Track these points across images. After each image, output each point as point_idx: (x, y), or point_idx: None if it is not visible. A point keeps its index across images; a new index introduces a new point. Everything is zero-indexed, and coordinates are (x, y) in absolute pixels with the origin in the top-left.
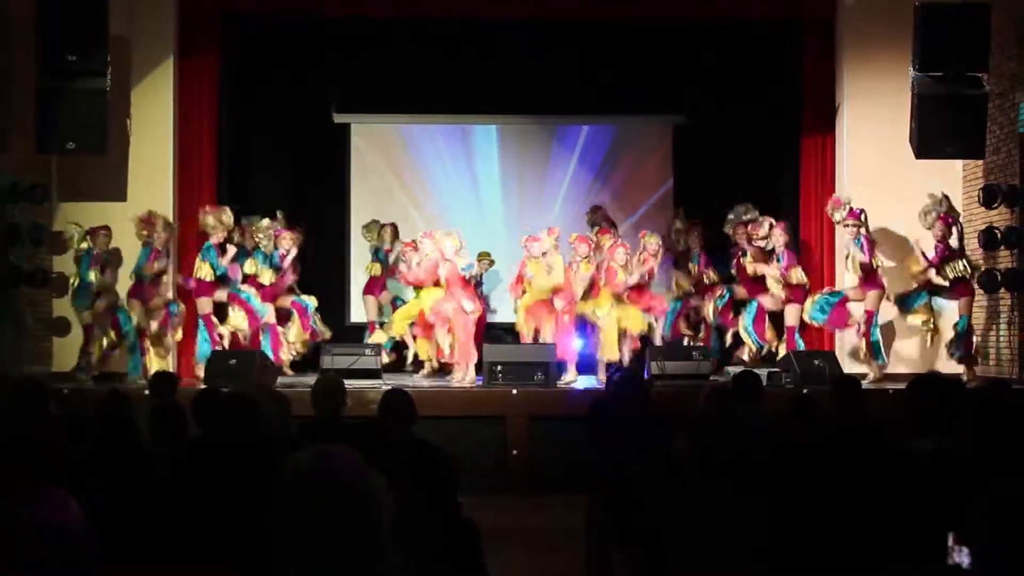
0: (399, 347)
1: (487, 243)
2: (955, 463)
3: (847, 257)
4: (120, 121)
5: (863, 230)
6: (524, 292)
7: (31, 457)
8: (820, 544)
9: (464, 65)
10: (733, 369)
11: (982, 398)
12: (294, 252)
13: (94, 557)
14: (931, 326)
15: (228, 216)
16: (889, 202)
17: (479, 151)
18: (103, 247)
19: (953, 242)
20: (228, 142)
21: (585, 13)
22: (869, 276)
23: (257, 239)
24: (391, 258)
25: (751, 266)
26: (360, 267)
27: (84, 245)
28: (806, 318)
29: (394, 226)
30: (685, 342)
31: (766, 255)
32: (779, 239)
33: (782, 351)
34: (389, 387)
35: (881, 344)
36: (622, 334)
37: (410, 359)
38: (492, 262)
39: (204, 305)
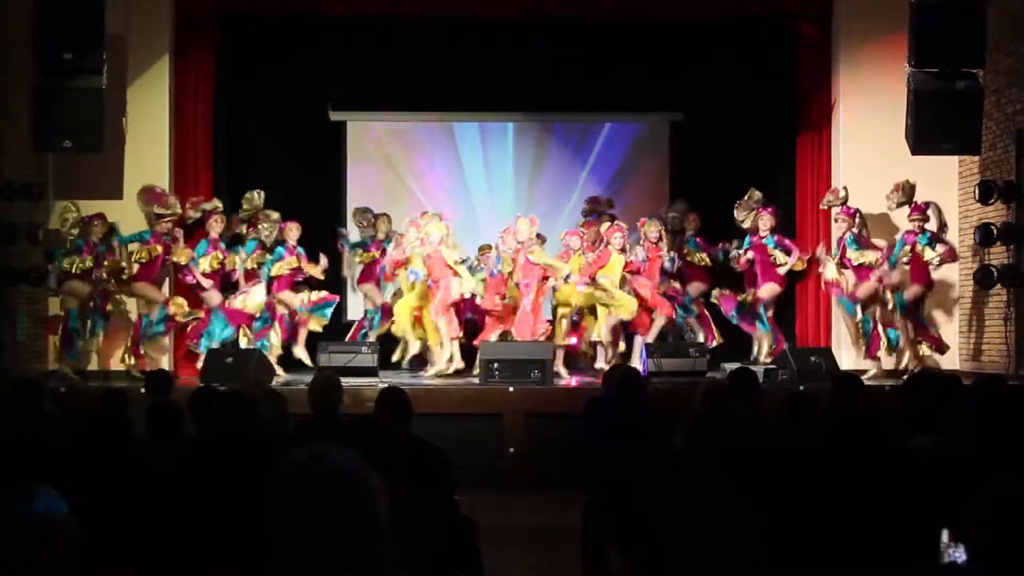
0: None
1: (481, 240)
2: (951, 460)
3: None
4: (116, 119)
5: (854, 228)
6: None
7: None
8: (817, 541)
9: (460, 63)
10: (729, 366)
11: (978, 395)
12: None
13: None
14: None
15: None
16: (884, 197)
17: (474, 149)
18: (97, 236)
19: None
20: (224, 140)
21: (582, 11)
22: (863, 272)
23: (261, 229)
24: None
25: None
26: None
27: (75, 231)
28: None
29: (387, 216)
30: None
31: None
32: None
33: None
34: (386, 384)
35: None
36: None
37: (407, 357)
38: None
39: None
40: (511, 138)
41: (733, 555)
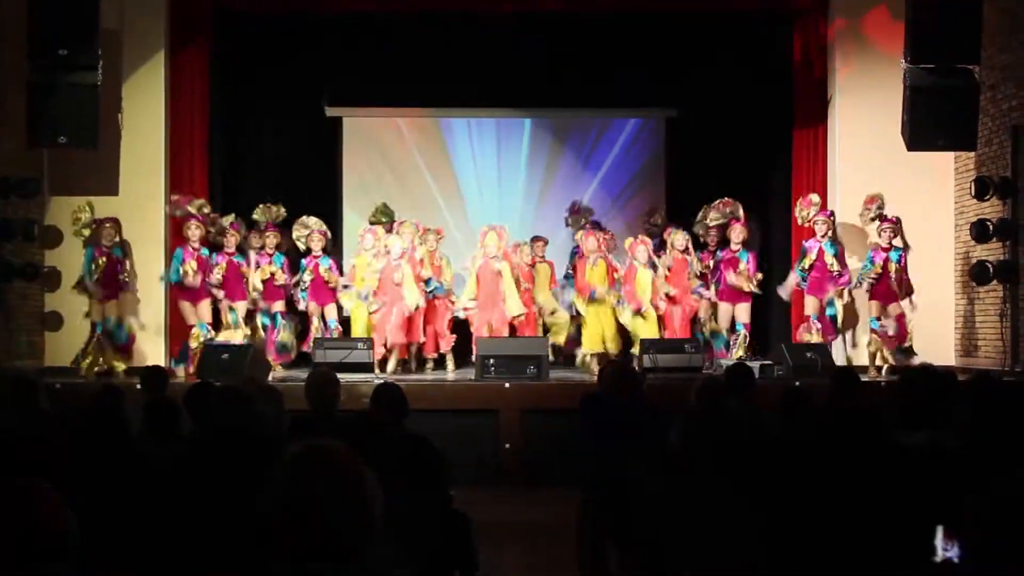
0: None
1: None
2: (947, 456)
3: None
4: (111, 115)
5: (831, 232)
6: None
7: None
8: (814, 537)
9: (456, 59)
10: (725, 361)
11: (973, 391)
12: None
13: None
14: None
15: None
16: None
17: (470, 145)
18: (109, 240)
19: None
20: (220, 135)
21: (577, 7)
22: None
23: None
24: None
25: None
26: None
27: (87, 232)
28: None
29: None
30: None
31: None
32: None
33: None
34: (381, 380)
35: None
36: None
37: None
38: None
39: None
40: (506, 134)
41: (730, 551)
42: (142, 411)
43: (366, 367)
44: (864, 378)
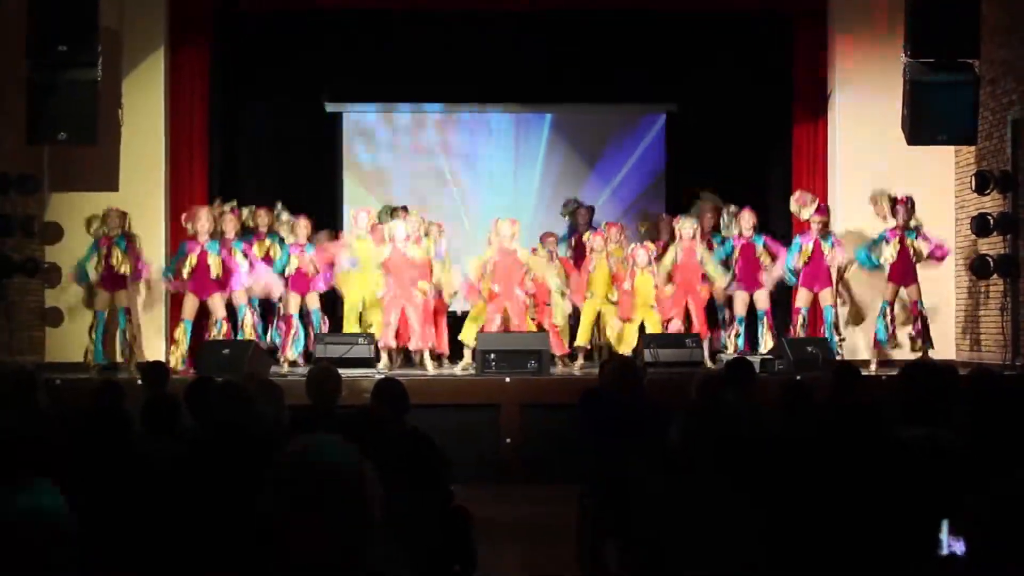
0: None
1: (478, 235)
2: (948, 451)
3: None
4: (111, 112)
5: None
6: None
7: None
8: (814, 533)
9: (456, 54)
10: (726, 356)
11: (973, 386)
12: None
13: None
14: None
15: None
16: (881, 189)
17: (470, 140)
18: (114, 230)
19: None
20: (220, 132)
21: (578, 3)
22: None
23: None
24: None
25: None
26: None
27: (95, 226)
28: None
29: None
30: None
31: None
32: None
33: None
34: (382, 375)
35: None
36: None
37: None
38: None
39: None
40: (506, 131)
41: (730, 549)
42: (142, 408)
43: (367, 362)
44: (865, 373)
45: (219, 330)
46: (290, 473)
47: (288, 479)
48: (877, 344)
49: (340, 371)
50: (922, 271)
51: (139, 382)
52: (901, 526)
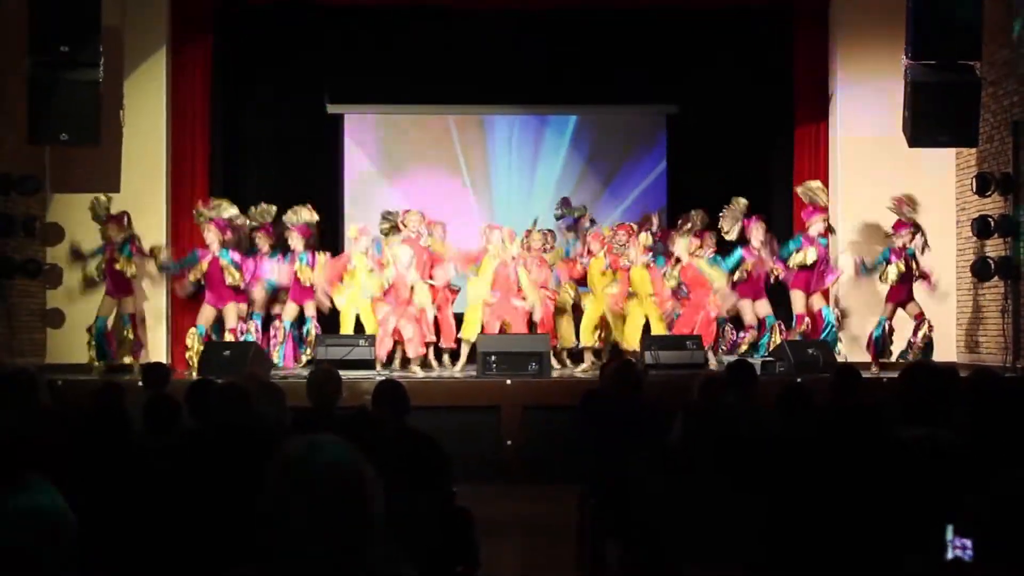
0: None
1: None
2: (947, 452)
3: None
4: (113, 112)
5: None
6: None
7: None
8: (814, 534)
9: (457, 55)
10: (727, 358)
11: (973, 387)
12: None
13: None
14: None
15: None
16: (882, 190)
17: (471, 142)
18: (119, 237)
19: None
20: (221, 132)
21: (579, 3)
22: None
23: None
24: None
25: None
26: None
27: (99, 222)
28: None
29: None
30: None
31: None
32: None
33: None
34: (383, 377)
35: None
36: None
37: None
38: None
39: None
40: (507, 131)
41: (730, 549)
42: (143, 408)
43: (367, 364)
44: (865, 374)
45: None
46: (290, 473)
47: (288, 479)
48: (874, 355)
49: (341, 373)
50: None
51: (140, 383)
52: (900, 526)
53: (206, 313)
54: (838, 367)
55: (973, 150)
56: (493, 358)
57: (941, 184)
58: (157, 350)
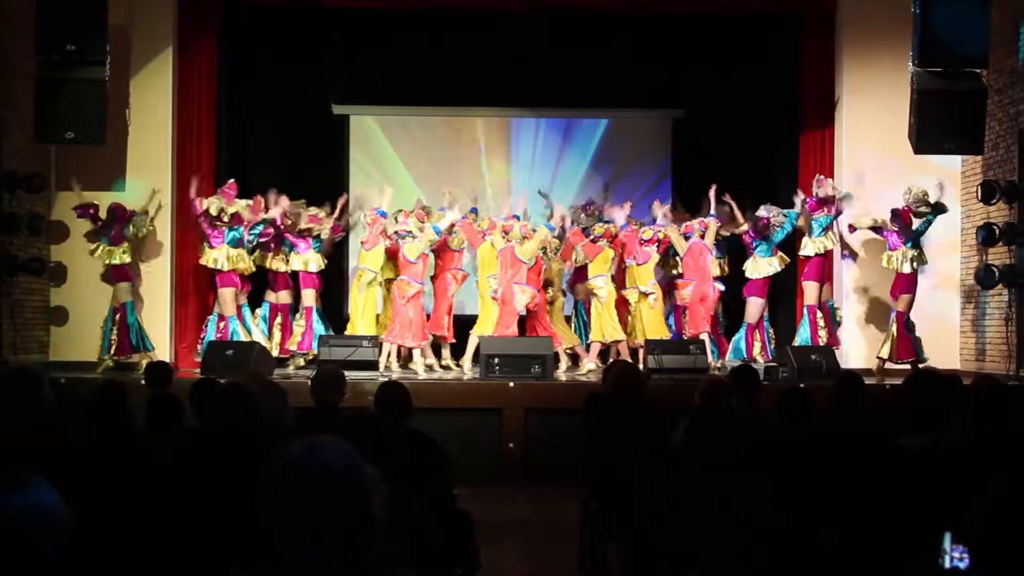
0: None
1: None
2: (949, 459)
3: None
4: (119, 111)
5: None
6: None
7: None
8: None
9: (464, 57)
10: (730, 363)
11: (976, 395)
12: None
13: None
14: None
15: None
16: (887, 196)
17: (477, 143)
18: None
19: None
20: (227, 132)
21: (586, 5)
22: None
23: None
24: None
25: None
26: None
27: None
28: None
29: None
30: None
31: None
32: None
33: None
34: (386, 379)
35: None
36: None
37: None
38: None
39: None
40: (513, 133)
41: (732, 553)
42: (145, 407)
43: (371, 365)
44: (868, 381)
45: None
46: (290, 473)
47: (288, 479)
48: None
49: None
50: (926, 280)
51: (143, 382)
52: (902, 534)
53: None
54: (841, 375)
55: (979, 157)
56: (496, 360)
57: (946, 191)
58: (161, 348)
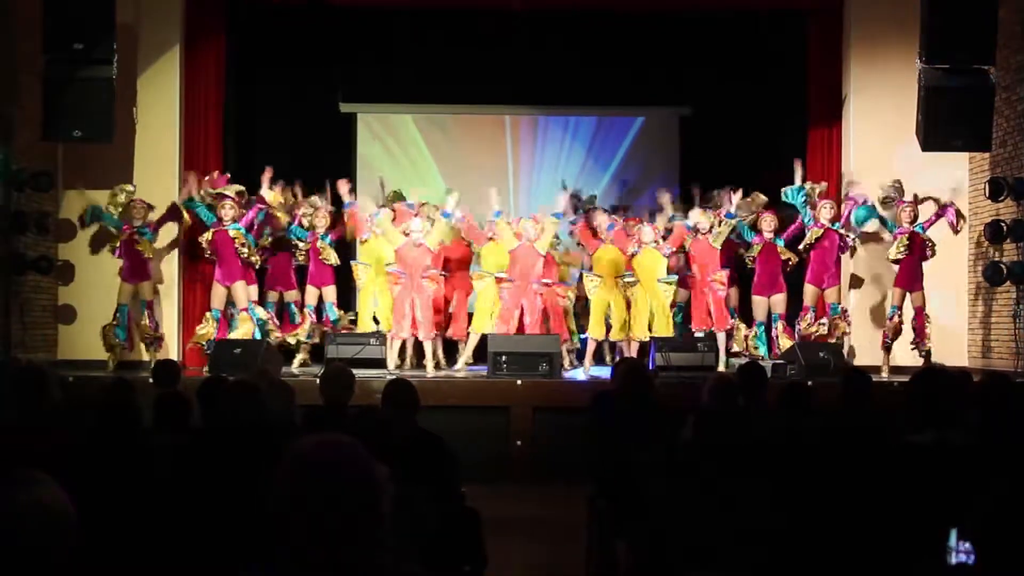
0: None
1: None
2: (957, 457)
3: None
4: (126, 109)
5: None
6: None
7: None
8: (823, 535)
9: (469, 56)
10: (737, 360)
11: (984, 392)
12: None
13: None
14: None
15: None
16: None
17: (485, 141)
18: (140, 217)
19: None
20: (234, 130)
21: (592, 4)
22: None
23: (311, 216)
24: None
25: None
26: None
27: (118, 208)
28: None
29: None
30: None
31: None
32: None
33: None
34: (394, 376)
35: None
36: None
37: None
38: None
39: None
40: (521, 131)
41: (739, 551)
42: (153, 405)
43: (378, 363)
44: (876, 378)
45: (235, 323)
46: (299, 472)
47: (297, 478)
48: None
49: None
50: (934, 278)
51: (151, 380)
52: (910, 532)
53: (218, 293)
54: (848, 372)
55: (986, 154)
56: (504, 358)
57: (954, 188)
58: (168, 345)
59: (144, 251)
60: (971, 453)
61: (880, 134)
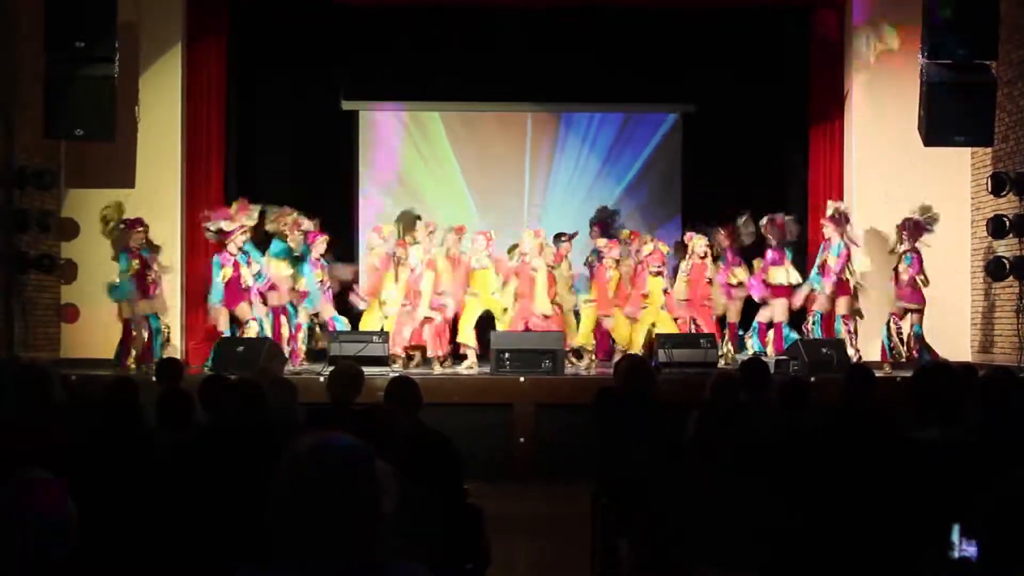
0: None
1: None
2: (960, 452)
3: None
4: (128, 108)
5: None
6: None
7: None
8: (827, 532)
9: (473, 53)
10: (741, 357)
11: (987, 387)
12: None
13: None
14: None
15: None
16: (897, 190)
17: (487, 139)
18: (138, 243)
19: None
20: (236, 129)
21: (594, 1)
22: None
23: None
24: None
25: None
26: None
27: (117, 234)
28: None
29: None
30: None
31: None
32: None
33: None
34: (396, 374)
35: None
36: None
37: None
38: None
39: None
40: (524, 129)
41: (743, 547)
42: (156, 403)
43: (381, 361)
44: (879, 374)
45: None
46: (301, 469)
47: (299, 475)
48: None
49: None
50: (937, 271)
51: (153, 378)
52: (914, 528)
53: (224, 317)
54: (850, 368)
55: (988, 150)
56: (506, 355)
57: (956, 184)
58: (172, 344)
59: (152, 275)
60: (975, 449)
61: (882, 130)
